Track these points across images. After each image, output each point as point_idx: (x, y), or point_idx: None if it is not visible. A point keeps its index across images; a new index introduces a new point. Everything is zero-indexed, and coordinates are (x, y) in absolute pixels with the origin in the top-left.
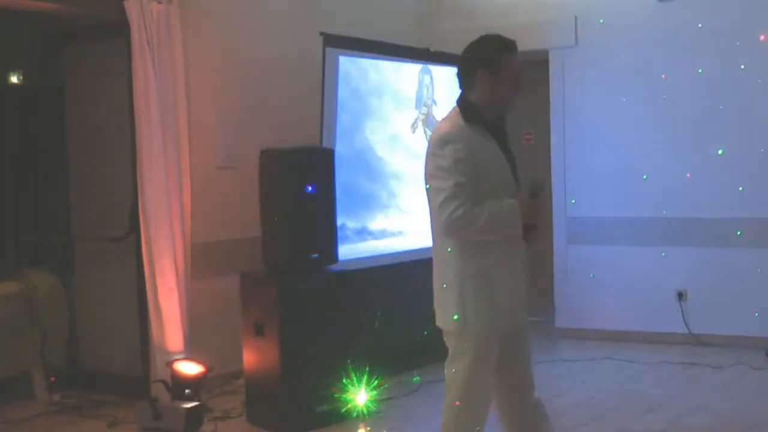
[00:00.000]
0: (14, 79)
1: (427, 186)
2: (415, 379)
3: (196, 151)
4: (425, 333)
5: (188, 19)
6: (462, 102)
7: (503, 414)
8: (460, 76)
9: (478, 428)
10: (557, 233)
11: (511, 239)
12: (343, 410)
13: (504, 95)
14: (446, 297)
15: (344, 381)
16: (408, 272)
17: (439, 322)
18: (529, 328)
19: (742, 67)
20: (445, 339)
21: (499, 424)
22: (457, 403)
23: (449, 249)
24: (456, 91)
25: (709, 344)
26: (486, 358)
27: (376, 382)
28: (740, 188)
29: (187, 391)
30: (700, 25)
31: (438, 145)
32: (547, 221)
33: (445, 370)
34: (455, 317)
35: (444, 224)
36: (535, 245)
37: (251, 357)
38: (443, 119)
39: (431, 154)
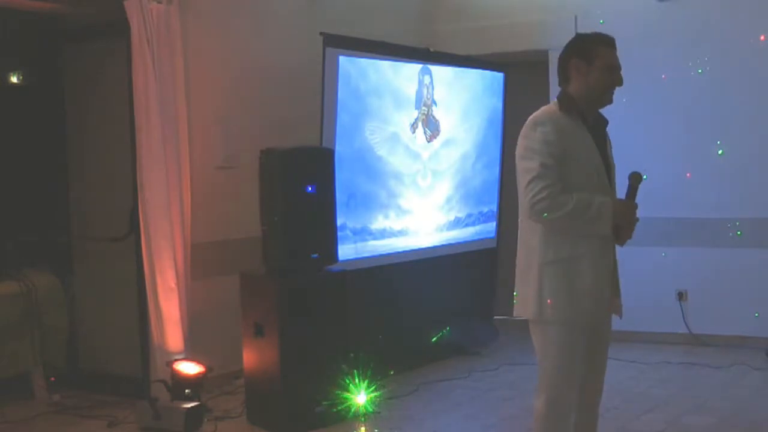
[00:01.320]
0: (14, 79)
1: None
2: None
3: (196, 151)
4: (433, 340)
5: (188, 19)
6: (560, 93)
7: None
8: (558, 71)
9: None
10: None
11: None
12: (343, 410)
13: (600, 85)
14: (526, 285)
15: (344, 381)
16: (408, 272)
17: (519, 311)
18: (611, 331)
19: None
20: (531, 332)
21: None
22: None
23: (534, 236)
24: (455, 91)
25: (709, 344)
26: (572, 350)
27: (376, 382)
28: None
29: (187, 391)
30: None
31: (530, 127)
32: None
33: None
34: (531, 304)
35: (528, 205)
36: (622, 245)
37: (251, 357)
38: (538, 110)
39: (522, 136)
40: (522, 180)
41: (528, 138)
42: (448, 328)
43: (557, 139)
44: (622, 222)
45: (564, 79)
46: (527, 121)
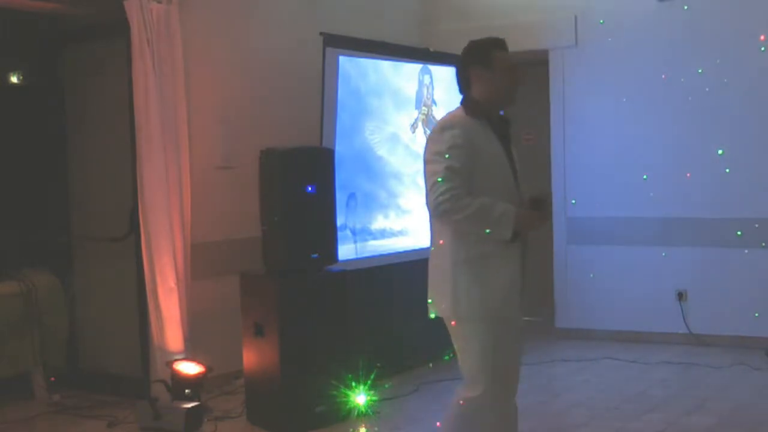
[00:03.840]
0: (14, 79)
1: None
2: (446, 357)
3: (196, 151)
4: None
5: (188, 19)
6: (465, 99)
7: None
8: (459, 80)
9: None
10: (557, 233)
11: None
12: (343, 410)
13: (502, 88)
14: (440, 284)
15: (344, 381)
16: (408, 272)
17: (434, 310)
18: (523, 327)
19: (737, 65)
20: (449, 331)
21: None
22: (462, 402)
23: (444, 237)
24: (455, 91)
25: (709, 344)
26: (493, 345)
27: (376, 382)
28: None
29: (187, 391)
30: (699, 32)
31: (438, 131)
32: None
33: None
34: (444, 304)
35: (432, 206)
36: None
37: (251, 357)
38: (444, 116)
39: (429, 140)
40: (428, 182)
41: (436, 142)
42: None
43: (465, 142)
44: (524, 230)
45: (465, 86)
46: (435, 126)
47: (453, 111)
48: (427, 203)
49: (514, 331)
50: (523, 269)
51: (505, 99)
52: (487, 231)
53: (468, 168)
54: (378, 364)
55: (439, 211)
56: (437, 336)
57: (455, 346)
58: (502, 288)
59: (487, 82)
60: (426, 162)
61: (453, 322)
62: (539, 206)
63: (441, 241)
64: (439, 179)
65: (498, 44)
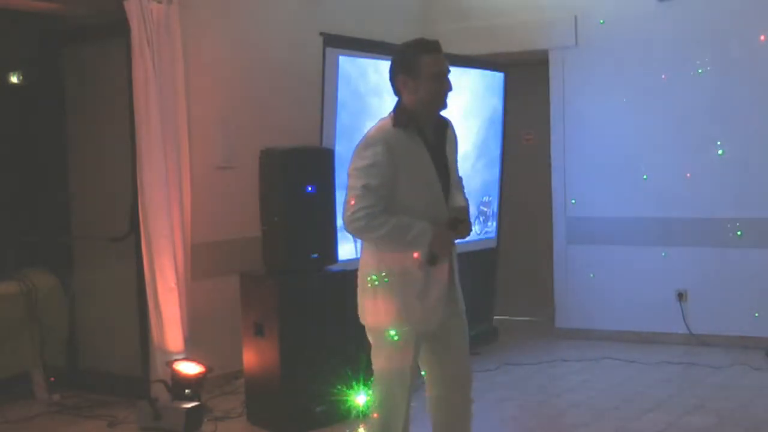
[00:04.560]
0: (14, 79)
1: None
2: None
3: (196, 151)
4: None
5: (188, 19)
6: (396, 106)
7: (435, 410)
8: (391, 84)
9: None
10: (557, 233)
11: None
12: (343, 410)
13: (429, 96)
14: (363, 293)
15: (344, 381)
16: None
17: (360, 317)
18: (464, 324)
19: (736, 65)
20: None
21: (431, 422)
22: (375, 415)
23: (368, 249)
24: (455, 91)
25: (709, 344)
26: (403, 354)
27: None
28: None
29: (187, 391)
30: (698, 33)
31: (362, 147)
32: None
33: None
34: (367, 312)
35: (345, 222)
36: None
37: (251, 357)
38: (376, 123)
39: (354, 154)
40: (347, 195)
41: (358, 157)
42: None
43: (386, 160)
44: (438, 250)
45: (396, 93)
46: (362, 139)
47: (383, 120)
48: (342, 218)
49: (444, 341)
50: (451, 281)
51: (434, 106)
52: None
53: (387, 186)
54: None
55: (352, 228)
56: None
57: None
58: (422, 301)
59: (413, 91)
60: (348, 175)
61: (370, 332)
62: (455, 226)
63: (365, 253)
64: (355, 196)
65: (427, 48)
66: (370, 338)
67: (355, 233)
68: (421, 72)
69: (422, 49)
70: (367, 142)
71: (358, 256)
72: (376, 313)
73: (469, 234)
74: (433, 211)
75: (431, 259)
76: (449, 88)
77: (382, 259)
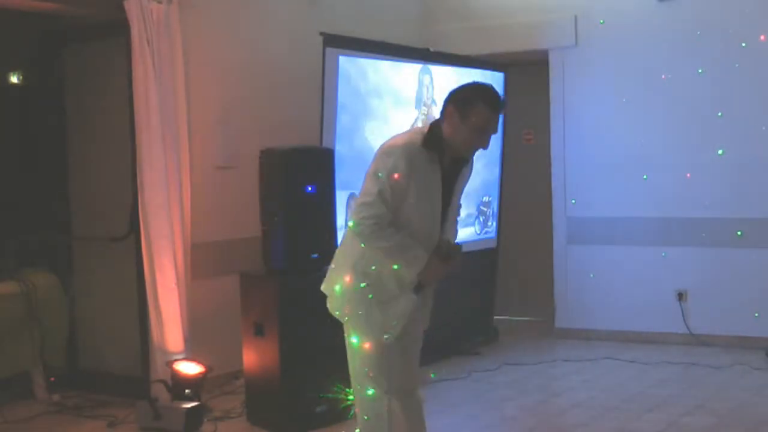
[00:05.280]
0: (14, 79)
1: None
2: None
3: (196, 151)
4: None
5: (188, 19)
6: (433, 125)
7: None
8: (443, 106)
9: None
10: (557, 233)
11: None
12: (343, 410)
13: (464, 142)
14: (335, 276)
15: (344, 381)
16: None
17: (325, 288)
18: (424, 328)
19: (737, 65)
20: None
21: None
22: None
23: (355, 245)
24: None
25: (709, 344)
26: (378, 354)
27: None
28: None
29: (187, 391)
30: (698, 33)
31: (387, 153)
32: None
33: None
34: (336, 308)
35: (354, 221)
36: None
37: (251, 357)
38: (407, 131)
39: (378, 156)
40: (361, 196)
41: (381, 161)
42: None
43: (405, 173)
44: (426, 279)
45: (442, 114)
46: (387, 143)
47: (413, 132)
48: (349, 211)
49: (408, 340)
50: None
51: (462, 152)
52: (395, 267)
53: (398, 198)
54: None
55: (359, 229)
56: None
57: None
58: (393, 308)
59: (455, 127)
60: (368, 173)
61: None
62: (447, 260)
63: (350, 247)
64: (368, 203)
65: (489, 100)
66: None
67: (359, 237)
68: (470, 116)
69: (484, 98)
70: (393, 151)
71: None
72: (349, 313)
73: (458, 270)
74: (428, 230)
75: (416, 287)
76: (486, 146)
77: (367, 258)
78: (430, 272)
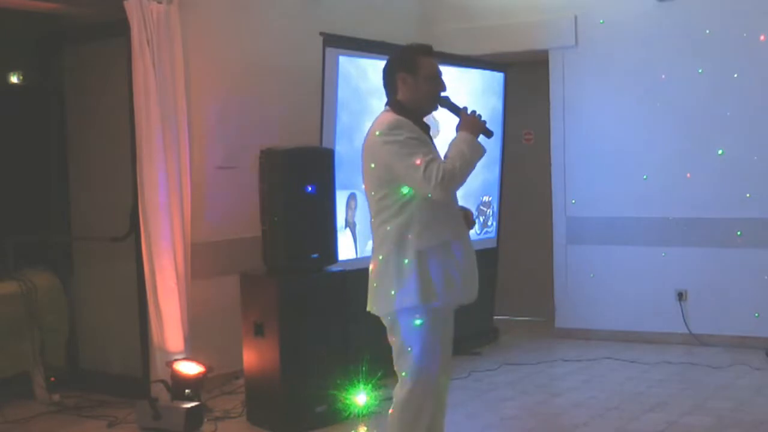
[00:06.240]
0: (14, 79)
1: (387, 169)
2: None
3: (196, 151)
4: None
5: (188, 19)
6: (392, 103)
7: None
8: (385, 83)
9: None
10: (557, 233)
11: (458, 219)
12: (343, 410)
13: (425, 93)
14: (394, 277)
15: (344, 381)
16: None
17: (382, 307)
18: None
19: (736, 76)
20: (389, 332)
21: None
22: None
23: (388, 233)
24: (455, 91)
25: (709, 344)
26: (441, 333)
27: (376, 382)
28: (747, 194)
29: (187, 391)
30: (700, 33)
31: (387, 133)
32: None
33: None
34: (394, 298)
35: (437, 190)
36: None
37: (251, 357)
38: (377, 119)
39: (384, 142)
40: (413, 175)
41: (392, 137)
42: None
43: (417, 134)
44: (474, 126)
45: (392, 91)
46: (378, 131)
47: (384, 114)
48: (425, 189)
49: (452, 320)
50: (473, 254)
51: (428, 104)
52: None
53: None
54: (377, 364)
55: (443, 188)
56: None
57: (397, 341)
58: (463, 274)
59: (412, 88)
60: (394, 156)
61: (402, 315)
62: (456, 109)
63: (394, 236)
64: (425, 163)
65: (424, 50)
66: (398, 324)
67: (447, 190)
68: (419, 71)
69: (420, 51)
70: (391, 126)
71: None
72: (419, 292)
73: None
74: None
75: (486, 133)
76: (444, 87)
77: (422, 236)
78: (471, 125)
